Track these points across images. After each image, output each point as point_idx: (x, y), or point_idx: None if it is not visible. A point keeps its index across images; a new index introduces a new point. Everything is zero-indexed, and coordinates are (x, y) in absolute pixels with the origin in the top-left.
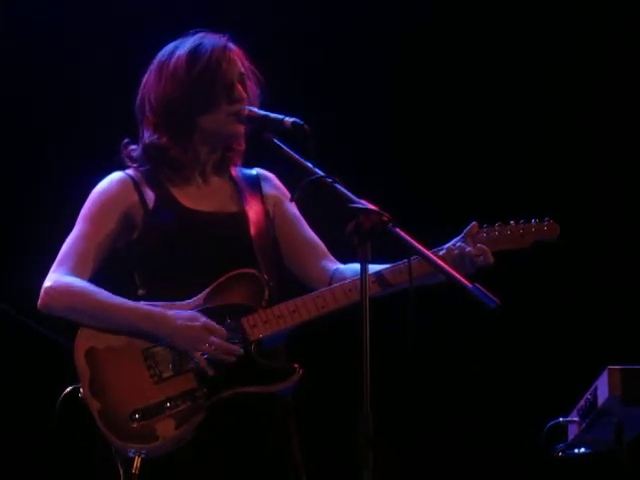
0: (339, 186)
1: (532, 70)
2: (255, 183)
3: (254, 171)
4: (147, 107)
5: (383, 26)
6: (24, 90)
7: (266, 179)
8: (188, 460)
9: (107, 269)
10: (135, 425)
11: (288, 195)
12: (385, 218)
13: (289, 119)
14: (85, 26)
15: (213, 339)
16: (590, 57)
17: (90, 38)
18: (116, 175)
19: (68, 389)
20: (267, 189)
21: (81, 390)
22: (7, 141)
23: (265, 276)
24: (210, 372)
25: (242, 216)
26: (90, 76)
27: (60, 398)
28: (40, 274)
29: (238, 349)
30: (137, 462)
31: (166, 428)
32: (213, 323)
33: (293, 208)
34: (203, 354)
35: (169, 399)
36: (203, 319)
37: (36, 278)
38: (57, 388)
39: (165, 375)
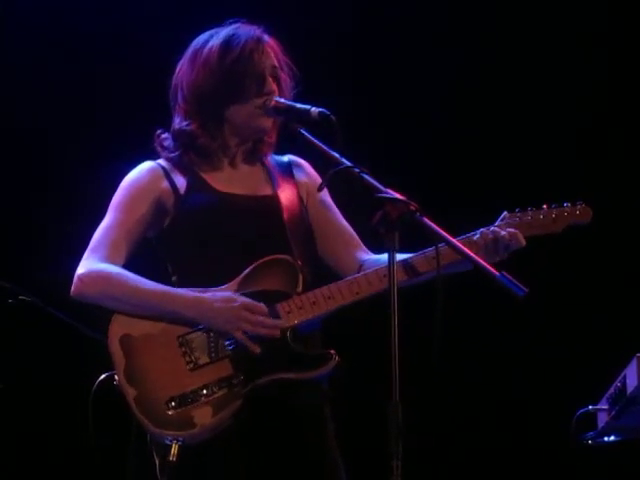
0: (366, 176)
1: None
2: (287, 169)
3: (286, 158)
4: (179, 94)
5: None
6: (55, 81)
7: (298, 166)
8: (225, 447)
9: (139, 259)
10: (171, 412)
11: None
12: (412, 207)
13: (315, 109)
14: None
15: (254, 317)
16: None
17: (120, 28)
18: (146, 164)
19: (103, 376)
20: (300, 176)
21: (116, 377)
22: (35, 134)
23: (298, 261)
24: (256, 350)
25: (274, 200)
26: (120, 69)
27: (95, 385)
28: (67, 267)
29: (280, 323)
30: (174, 449)
31: (203, 415)
32: (252, 301)
33: (326, 196)
34: (245, 333)
35: (205, 386)
36: (241, 299)
37: (65, 271)
38: (86, 380)
39: (201, 362)
